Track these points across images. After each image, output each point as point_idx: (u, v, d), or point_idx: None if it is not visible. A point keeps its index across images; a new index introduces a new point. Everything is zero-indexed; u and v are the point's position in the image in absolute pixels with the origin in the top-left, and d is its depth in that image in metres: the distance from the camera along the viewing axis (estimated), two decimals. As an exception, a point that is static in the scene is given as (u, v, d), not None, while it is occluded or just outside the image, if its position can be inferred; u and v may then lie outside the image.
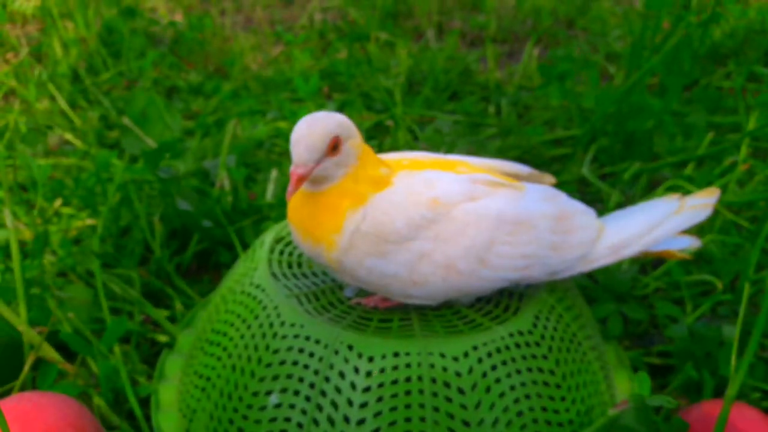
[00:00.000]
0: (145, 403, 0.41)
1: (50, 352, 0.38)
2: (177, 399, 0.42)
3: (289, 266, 0.42)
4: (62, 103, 0.84)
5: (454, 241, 0.35)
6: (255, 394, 0.36)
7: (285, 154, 0.75)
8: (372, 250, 0.35)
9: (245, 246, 0.56)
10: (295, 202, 0.37)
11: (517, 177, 0.41)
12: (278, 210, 0.59)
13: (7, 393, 0.39)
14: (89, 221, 0.60)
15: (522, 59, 0.96)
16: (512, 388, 0.35)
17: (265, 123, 0.81)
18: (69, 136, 0.79)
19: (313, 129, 0.34)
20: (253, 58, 1.04)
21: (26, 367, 0.38)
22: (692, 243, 0.38)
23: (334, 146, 0.34)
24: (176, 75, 0.98)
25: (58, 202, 0.63)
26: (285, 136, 0.79)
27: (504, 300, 0.39)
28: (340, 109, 0.85)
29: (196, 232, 0.55)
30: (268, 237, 0.45)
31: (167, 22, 1.12)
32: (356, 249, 0.35)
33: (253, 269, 0.42)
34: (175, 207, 0.55)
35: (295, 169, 0.33)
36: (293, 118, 0.81)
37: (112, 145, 0.80)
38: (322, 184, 0.35)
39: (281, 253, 0.43)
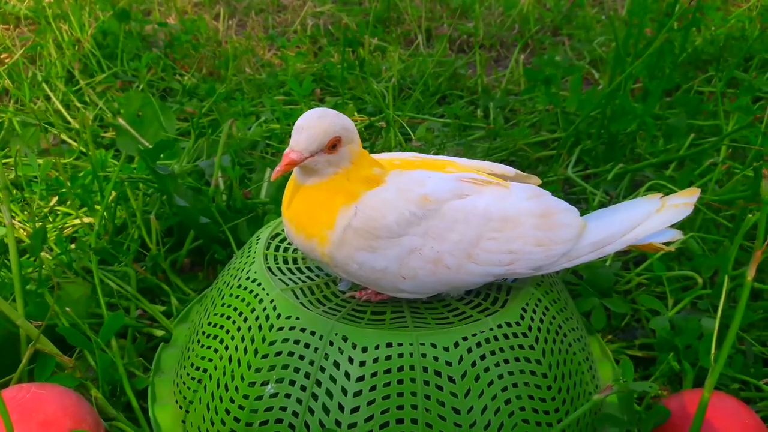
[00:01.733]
0: (141, 395, 0.42)
1: (48, 345, 0.39)
2: (173, 391, 0.43)
3: (285, 261, 0.43)
4: (57, 104, 0.85)
5: (443, 237, 0.37)
6: (251, 384, 0.37)
7: (278, 155, 0.76)
8: (363, 245, 0.36)
9: (240, 243, 0.57)
10: (289, 198, 0.38)
11: (504, 178, 0.42)
12: (273, 209, 0.60)
13: (5, 386, 0.39)
14: (86, 219, 0.61)
15: (508, 65, 0.98)
16: (500, 377, 0.36)
17: (258, 125, 0.82)
18: (64, 136, 0.80)
19: (320, 123, 0.35)
20: (247, 62, 1.05)
21: (24, 360, 0.38)
22: (675, 236, 0.40)
23: (333, 145, 0.36)
24: (170, 77, 0.99)
25: (53, 200, 0.63)
26: (278, 137, 0.80)
27: (492, 293, 0.40)
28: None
29: (192, 229, 0.56)
30: (263, 233, 0.46)
31: (158, 23, 1.13)
32: (348, 244, 0.36)
33: (250, 264, 0.43)
34: (171, 205, 0.56)
35: (290, 153, 0.35)
36: (286, 120, 0.82)
37: (107, 146, 0.80)
38: (310, 176, 0.37)
39: (277, 248, 0.44)
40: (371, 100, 0.87)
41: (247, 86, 0.96)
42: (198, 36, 1.12)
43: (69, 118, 0.83)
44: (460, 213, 0.37)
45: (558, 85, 0.76)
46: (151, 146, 0.69)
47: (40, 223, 0.53)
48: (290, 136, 0.76)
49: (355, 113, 0.84)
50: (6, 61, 1.09)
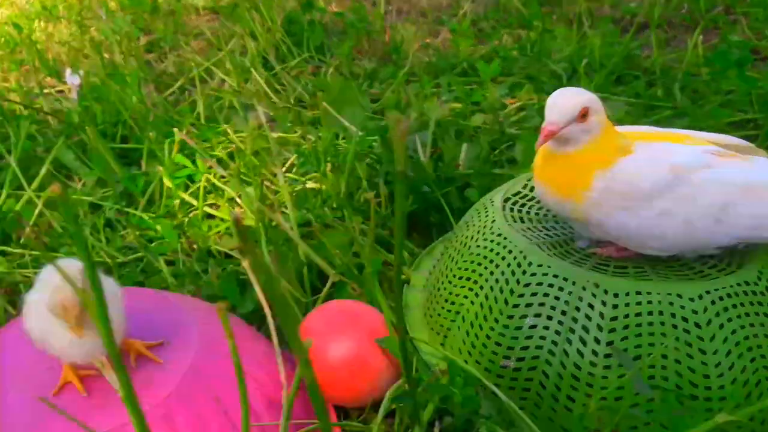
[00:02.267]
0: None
1: (338, 276, 0.49)
2: (423, 321, 0.51)
3: (522, 221, 0.50)
4: (264, 85, 0.98)
5: (693, 203, 0.41)
6: (510, 317, 0.44)
7: (467, 133, 0.82)
8: (620, 205, 0.42)
9: (451, 208, 0.64)
10: (541, 163, 0.45)
11: (736, 149, 0.45)
12: (477, 179, 0.67)
13: (313, 304, 0.51)
14: (311, 185, 0.72)
15: (678, 45, 0.97)
16: (742, 327, 0.40)
17: (439, 105, 0.90)
18: (273, 114, 0.93)
19: (566, 97, 0.42)
20: (415, 46, 1.13)
21: (328, 285, 0.49)
22: None
23: (583, 115, 0.41)
24: (350, 62, 1.09)
25: (284, 167, 0.75)
26: (461, 116, 0.87)
27: (726, 257, 0.44)
28: (510, 91, 0.92)
29: (411, 195, 0.65)
30: (496, 197, 0.53)
31: (334, 13, 1.24)
32: (605, 204, 0.42)
33: (491, 221, 0.50)
34: (392, 173, 0.64)
35: (547, 126, 0.41)
36: (467, 99, 0.89)
37: (309, 123, 0.92)
38: (566, 145, 0.43)
39: (511, 210, 0.51)
40: (548, 80, 0.91)
41: (420, 69, 1.03)
42: (368, 23, 1.22)
43: (275, 99, 0.96)
44: (708, 181, 0.41)
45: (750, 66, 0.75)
46: (349, 124, 0.80)
47: (290, 187, 0.64)
48: (472, 114, 0.83)
49: (533, 93, 0.88)
50: (198, 46, 1.27)
